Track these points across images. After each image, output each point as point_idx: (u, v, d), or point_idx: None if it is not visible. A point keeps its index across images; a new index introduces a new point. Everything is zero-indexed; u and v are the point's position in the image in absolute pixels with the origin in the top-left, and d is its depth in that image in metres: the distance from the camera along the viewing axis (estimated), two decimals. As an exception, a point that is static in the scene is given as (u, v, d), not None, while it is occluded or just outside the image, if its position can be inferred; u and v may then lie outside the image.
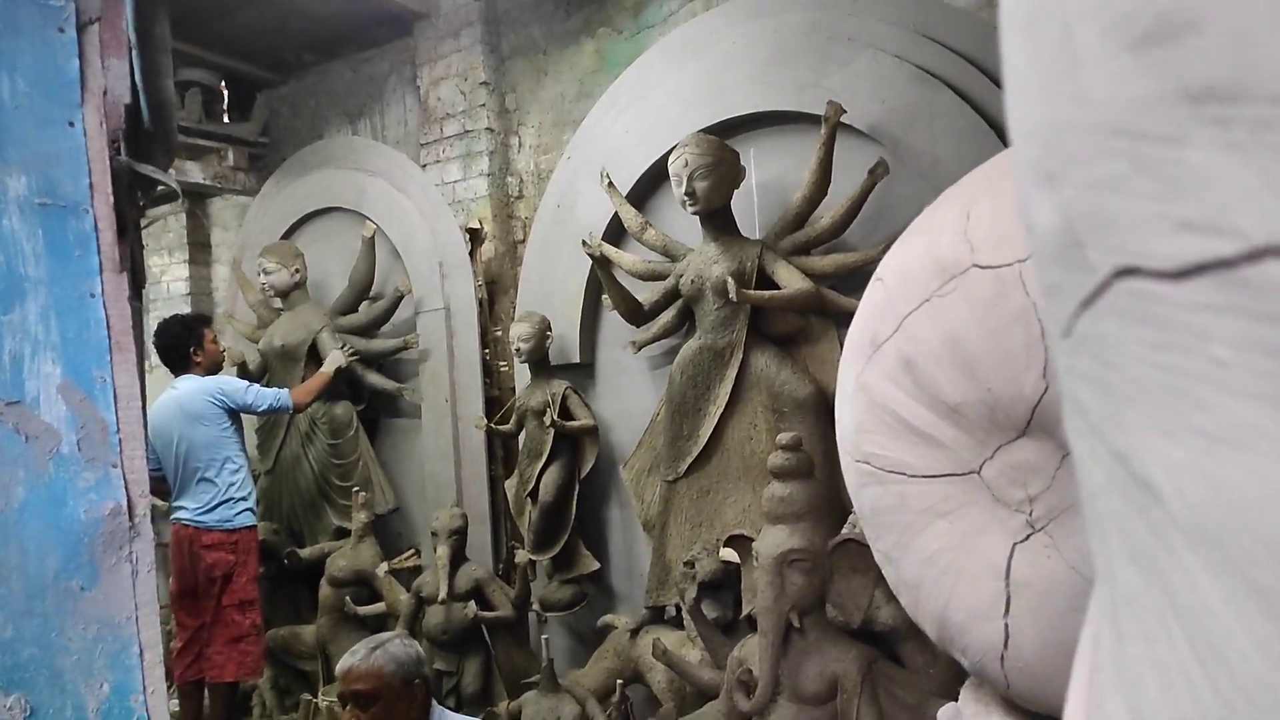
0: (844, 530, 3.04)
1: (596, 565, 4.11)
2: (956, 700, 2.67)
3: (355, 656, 2.30)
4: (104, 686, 0.95)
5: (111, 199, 0.98)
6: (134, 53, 1.12)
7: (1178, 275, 0.30)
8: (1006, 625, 1.24)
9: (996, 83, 3.26)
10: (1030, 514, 1.25)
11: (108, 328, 0.97)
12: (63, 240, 0.96)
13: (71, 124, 0.97)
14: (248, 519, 4.12)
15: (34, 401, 0.93)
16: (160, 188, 1.23)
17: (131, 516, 0.97)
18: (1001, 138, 3.17)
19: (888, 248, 3.17)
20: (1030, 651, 1.22)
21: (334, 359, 4.54)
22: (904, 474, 1.35)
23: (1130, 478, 0.34)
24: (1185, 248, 0.29)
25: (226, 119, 6.06)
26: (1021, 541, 1.25)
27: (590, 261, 4.01)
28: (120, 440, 0.97)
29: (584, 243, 3.76)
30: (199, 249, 6.46)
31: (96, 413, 0.96)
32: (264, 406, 4.25)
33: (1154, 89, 0.29)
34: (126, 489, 0.97)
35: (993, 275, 1.21)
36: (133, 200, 1.13)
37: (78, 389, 0.95)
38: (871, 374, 1.38)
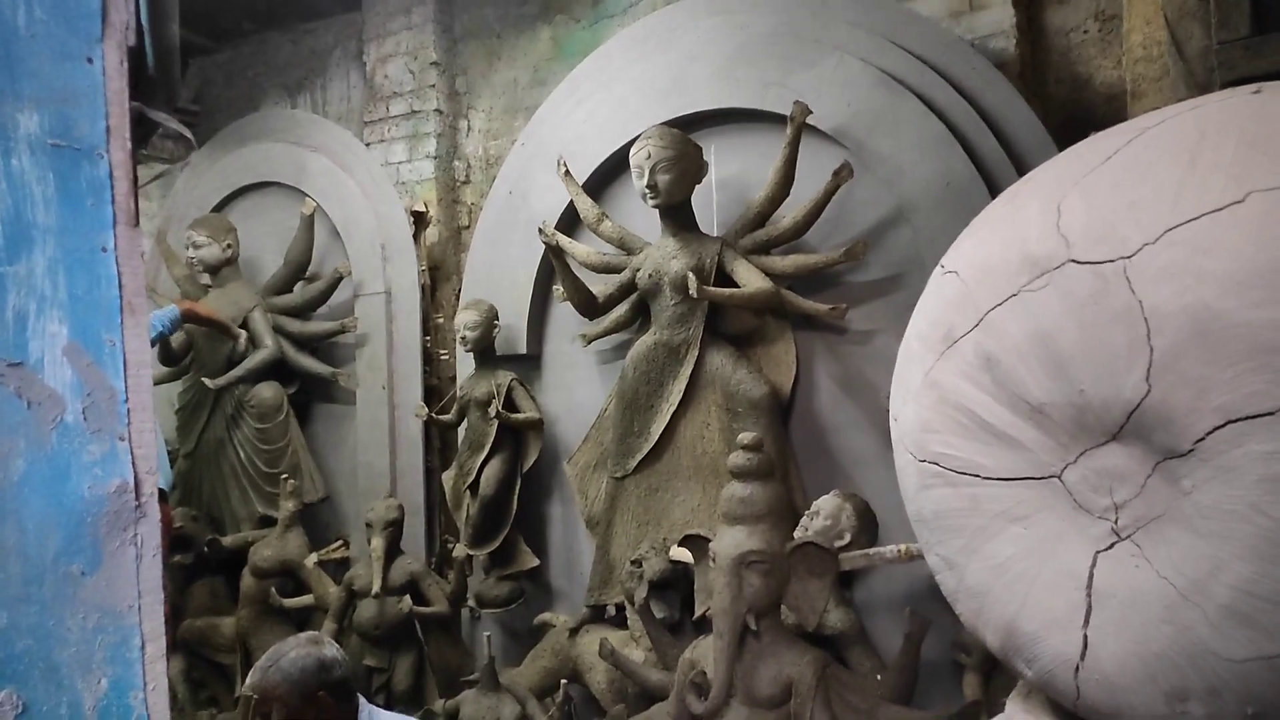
0: (797, 533, 3.04)
1: (536, 562, 4.03)
2: (909, 705, 2.69)
3: (253, 675, 2.23)
4: (102, 682, 0.86)
5: (129, 146, 0.89)
6: (140, -9, 1.02)
7: None
8: (1085, 635, 1.22)
9: (960, 92, 3.30)
10: (1115, 522, 1.23)
11: (119, 287, 0.88)
12: (75, 187, 0.86)
13: (90, 60, 0.87)
14: None
15: (37, 364, 0.83)
16: (160, 137, 1.13)
17: (138, 495, 0.88)
18: (964, 146, 3.21)
19: (849, 251, 3.22)
20: (1111, 663, 1.21)
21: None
22: (977, 476, 1.32)
23: None
24: None
25: (181, 90, 5.78)
26: (1105, 550, 1.23)
27: (541, 250, 3.93)
28: (129, 411, 0.88)
29: (540, 230, 3.68)
30: (118, 219, 6.16)
31: (104, 379, 0.86)
32: (154, 332, 4.08)
33: None
34: (134, 465, 0.88)
35: (1092, 271, 1.19)
36: (136, 150, 1.03)
37: (85, 352, 0.85)
38: (944, 371, 1.34)
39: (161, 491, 3.93)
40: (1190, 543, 1.15)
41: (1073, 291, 1.21)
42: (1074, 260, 1.22)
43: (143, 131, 1.08)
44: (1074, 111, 3.50)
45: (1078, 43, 3.54)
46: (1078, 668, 1.23)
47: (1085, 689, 1.23)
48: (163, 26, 1.10)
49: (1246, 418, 1.07)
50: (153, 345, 4.18)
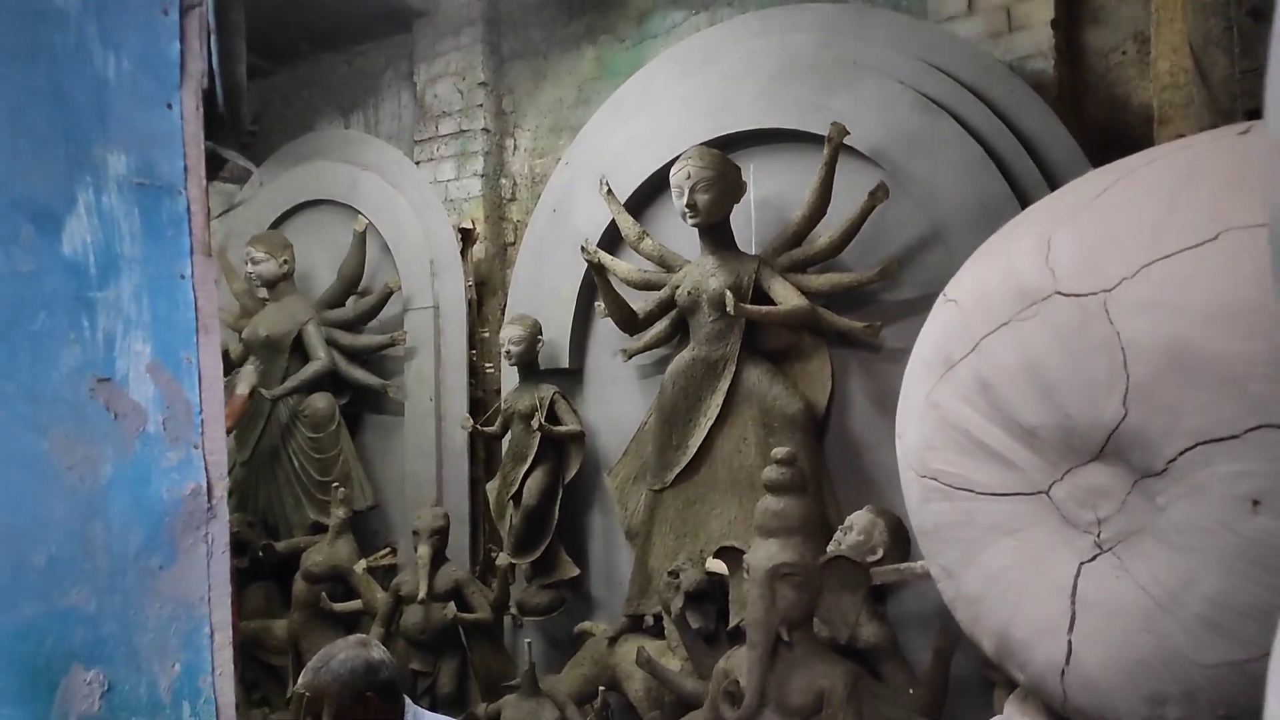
0: (830, 547, 3.08)
1: (576, 571, 4.12)
2: (939, 718, 2.72)
3: (305, 675, 2.32)
4: (176, 666, 0.95)
5: (204, 182, 0.99)
6: (211, 38, 1.13)
7: None
8: (1070, 642, 1.28)
9: (998, 114, 3.34)
10: (1099, 535, 1.29)
11: (195, 309, 0.98)
12: (157, 221, 0.97)
13: (170, 106, 0.98)
14: None
15: (124, 379, 0.93)
16: (227, 169, 1.23)
17: (210, 498, 0.98)
18: (1001, 168, 3.24)
19: (883, 270, 3.27)
20: (1094, 669, 1.27)
21: (246, 376, 4.53)
22: (972, 491, 1.39)
23: None
24: None
25: (250, 127, 6.00)
26: (1089, 561, 1.29)
27: (584, 267, 4.03)
28: (203, 422, 0.98)
29: (582, 248, 3.78)
30: (179, 234, 6.38)
31: (182, 393, 0.96)
32: None
33: None
34: (206, 470, 0.98)
35: (1076, 303, 1.25)
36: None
37: (165, 369, 0.95)
38: (943, 393, 1.42)
39: None
40: (1166, 556, 1.22)
41: (1058, 321, 1.28)
42: (1059, 292, 1.29)
43: (213, 166, 1.19)
44: (1112, 133, 3.52)
45: (1116, 64, 3.56)
46: (1064, 672, 1.29)
47: (1071, 693, 1.30)
48: (231, 69, 1.21)
49: (1215, 440, 1.14)
50: None
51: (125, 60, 0.95)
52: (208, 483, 0.96)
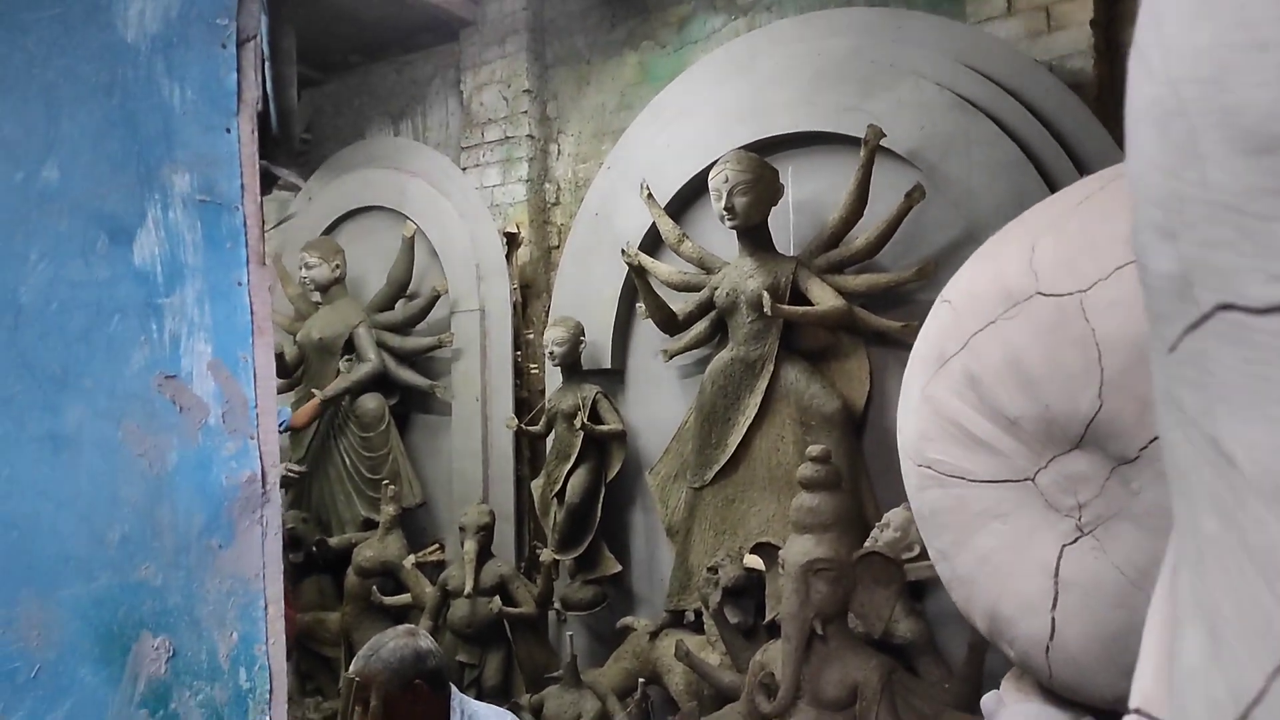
0: (867, 543, 3.13)
1: (619, 567, 4.20)
2: (973, 713, 2.76)
3: (356, 662, 2.39)
4: (234, 635, 1.05)
5: (259, 199, 1.09)
6: (265, 64, 1.23)
7: (1265, 311, 0.41)
8: (1053, 619, 1.36)
9: (1035, 114, 3.35)
10: (1079, 519, 1.37)
11: (251, 313, 1.08)
12: (217, 234, 1.07)
13: (228, 130, 1.08)
14: None
15: (188, 376, 1.03)
16: (280, 184, 1.34)
17: (264, 484, 1.08)
18: (1038, 168, 3.26)
19: (920, 270, 3.31)
20: (1075, 644, 1.34)
21: (336, 386, 4.75)
22: (964, 479, 1.46)
23: (1219, 455, 0.46)
24: (1273, 293, 0.40)
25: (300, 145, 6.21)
26: (1070, 544, 1.37)
27: (625, 270, 4.10)
28: (258, 415, 1.08)
29: (623, 251, 3.86)
30: (237, 240, 6.59)
31: (239, 389, 1.06)
32: (279, 421, 4.48)
33: (1260, 183, 0.41)
34: (261, 459, 1.08)
35: (1055, 303, 1.33)
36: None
37: (224, 367, 1.06)
38: (937, 387, 1.50)
39: None
40: (1138, 537, 1.29)
41: (1039, 320, 1.35)
42: (1040, 293, 1.37)
43: (267, 182, 1.29)
44: (1152, 129, 3.51)
45: (1156, 61, 3.55)
46: (1048, 648, 1.37)
47: (1055, 667, 1.37)
48: (284, 92, 1.31)
49: None
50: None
51: (189, 90, 1.05)
52: (262, 470, 1.07)
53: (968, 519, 1.47)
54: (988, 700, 1.62)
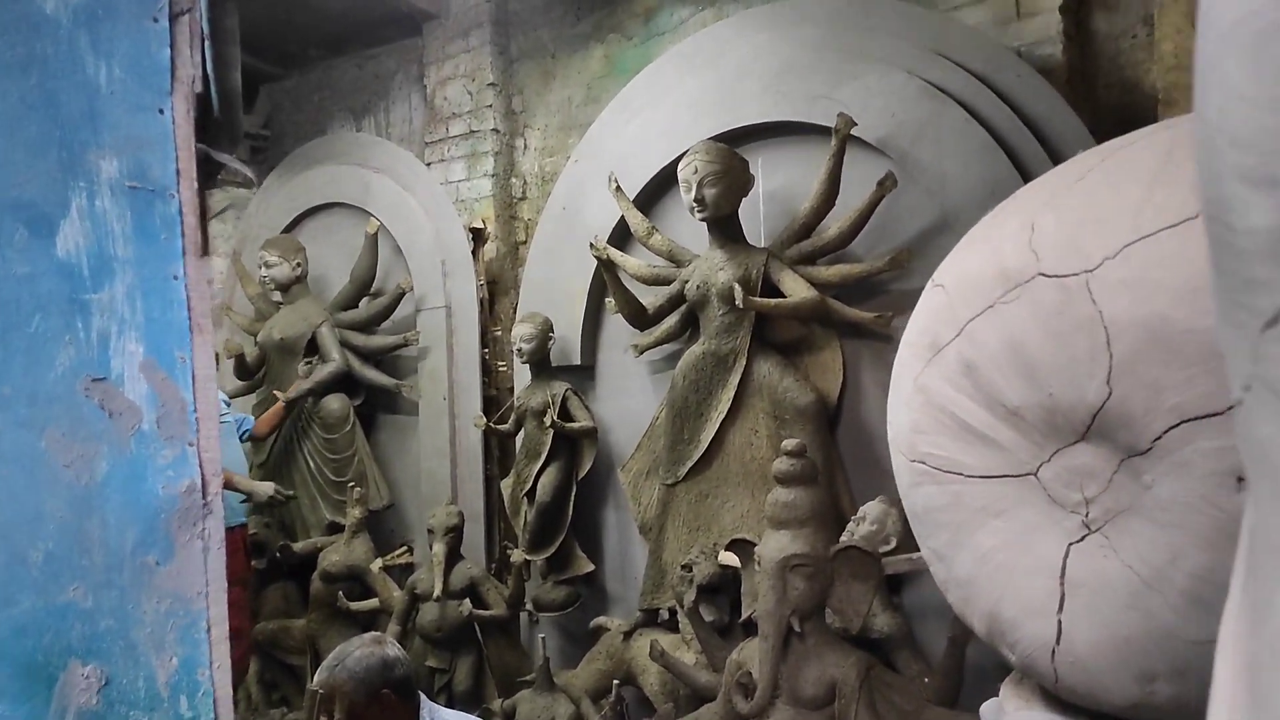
0: (843, 538, 3.08)
1: (591, 567, 4.13)
2: (954, 707, 2.72)
3: (320, 672, 2.33)
4: (174, 660, 0.97)
5: (196, 185, 1.01)
6: (206, 44, 1.15)
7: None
8: (1060, 621, 1.29)
9: (1005, 101, 3.32)
10: (1086, 515, 1.30)
11: (189, 309, 1.00)
12: (150, 223, 0.99)
13: (161, 111, 0.99)
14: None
15: (118, 379, 0.95)
16: (223, 175, 1.25)
17: (205, 494, 1.00)
18: (1010, 155, 3.23)
19: (893, 260, 3.27)
20: (1083, 647, 1.27)
21: (299, 388, 4.63)
22: (961, 474, 1.39)
23: None
24: None
25: (243, 131, 6.06)
26: (1077, 542, 1.30)
27: (594, 264, 4.04)
28: (197, 420, 1.00)
29: (591, 245, 3.79)
30: (195, 239, 6.43)
31: (176, 392, 0.98)
32: (241, 429, 4.50)
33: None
34: (201, 467, 0.99)
35: (1058, 284, 1.26)
36: (203, 186, 1.15)
37: (159, 368, 0.97)
38: (931, 376, 1.43)
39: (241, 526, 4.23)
40: (1152, 534, 1.22)
41: (1041, 303, 1.28)
42: (1043, 274, 1.29)
43: (209, 169, 1.21)
44: (1123, 116, 3.49)
45: (1126, 48, 3.53)
46: (1054, 652, 1.30)
47: (1062, 672, 1.30)
48: (226, 74, 1.22)
49: (1198, 417, 1.14)
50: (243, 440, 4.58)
51: (116, 67, 0.97)
52: (203, 479, 0.98)
53: (965, 517, 1.40)
54: (987, 708, 1.55)
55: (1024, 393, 1.31)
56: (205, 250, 1.02)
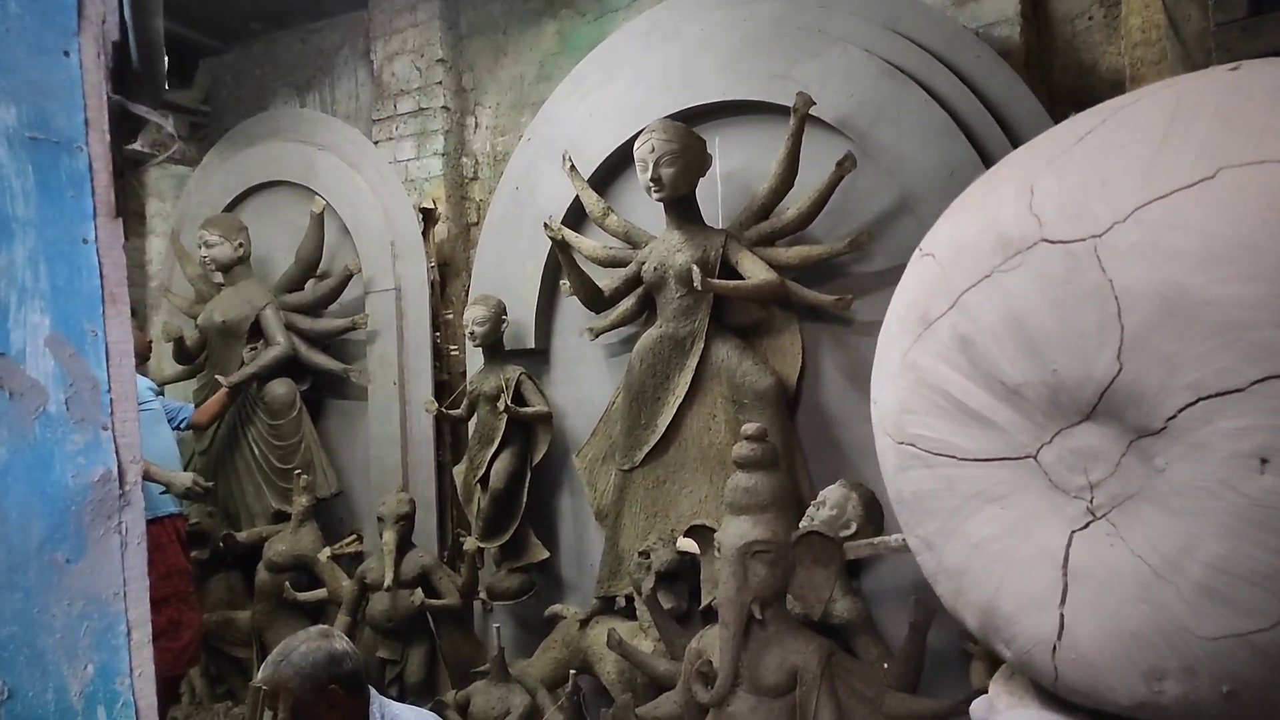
0: (803, 523, 3.04)
1: (546, 554, 4.05)
2: (915, 693, 2.69)
3: (265, 668, 2.26)
4: (88, 668, 0.87)
5: (108, 138, 0.90)
6: (123, -14, 1.04)
7: None
8: (1062, 615, 1.22)
9: (964, 81, 3.28)
10: (1091, 501, 1.22)
11: (101, 277, 0.90)
12: (55, 179, 0.88)
13: (67, 53, 0.89)
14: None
15: (19, 354, 0.84)
16: (145, 134, 1.14)
17: (122, 484, 0.90)
18: (968, 135, 3.19)
19: (853, 241, 3.22)
20: (1087, 642, 1.21)
21: (243, 373, 4.48)
22: (954, 457, 1.32)
23: None
24: None
25: (166, 85, 5.83)
26: (1081, 529, 1.22)
27: (548, 245, 3.94)
28: (111, 401, 0.89)
29: (545, 225, 3.69)
30: (133, 219, 6.19)
31: (87, 369, 0.88)
32: (179, 418, 4.34)
33: None
34: (117, 454, 0.89)
35: (1063, 250, 1.18)
36: (120, 144, 1.04)
37: (67, 343, 0.87)
38: (921, 352, 1.34)
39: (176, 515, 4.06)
40: (1164, 521, 1.15)
41: (1045, 271, 1.20)
42: (1046, 240, 1.21)
43: (129, 126, 1.10)
44: (1080, 98, 3.47)
45: (1083, 29, 3.52)
46: (1055, 648, 1.23)
47: (1063, 669, 1.23)
48: (146, 21, 1.11)
49: (1217, 394, 1.07)
50: (175, 428, 4.37)
51: (12, 2, 0.86)
52: (119, 468, 0.88)
53: (958, 503, 1.32)
54: (977, 706, 1.49)
55: (1025, 369, 1.23)
56: (119, 211, 0.91)
